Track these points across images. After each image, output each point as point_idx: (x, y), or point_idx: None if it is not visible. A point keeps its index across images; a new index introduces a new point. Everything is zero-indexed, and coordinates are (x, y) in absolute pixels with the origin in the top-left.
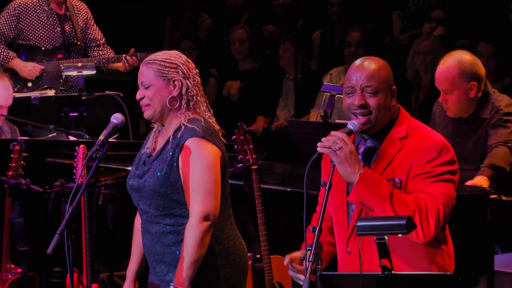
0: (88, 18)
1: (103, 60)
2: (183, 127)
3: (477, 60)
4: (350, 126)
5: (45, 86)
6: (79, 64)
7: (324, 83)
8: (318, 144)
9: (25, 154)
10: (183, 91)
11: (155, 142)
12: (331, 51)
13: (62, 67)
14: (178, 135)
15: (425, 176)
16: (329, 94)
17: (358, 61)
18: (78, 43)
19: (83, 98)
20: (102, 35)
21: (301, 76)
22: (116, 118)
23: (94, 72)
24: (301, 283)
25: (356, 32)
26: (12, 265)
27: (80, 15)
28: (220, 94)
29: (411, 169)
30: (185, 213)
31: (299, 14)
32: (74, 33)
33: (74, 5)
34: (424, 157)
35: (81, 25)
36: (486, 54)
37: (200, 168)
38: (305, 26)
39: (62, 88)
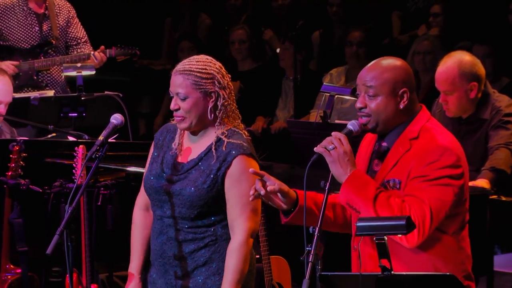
0: (70, 17)
1: (75, 58)
2: (225, 140)
3: (477, 60)
4: (349, 126)
5: (21, 85)
6: (79, 65)
7: (324, 83)
8: (315, 148)
9: (24, 154)
10: (219, 102)
11: (180, 145)
12: (330, 51)
13: (62, 67)
14: (224, 149)
15: (422, 179)
16: (328, 94)
17: (370, 63)
18: (54, 42)
19: (82, 98)
20: (84, 33)
21: (300, 77)
22: (116, 118)
23: (93, 72)
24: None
25: (357, 32)
26: (12, 266)
27: (61, 14)
28: None
29: (411, 171)
30: (212, 222)
31: (298, 15)
32: (51, 32)
33: (56, 4)
34: (424, 159)
35: (62, 24)
36: (481, 56)
37: (249, 186)
38: (304, 26)
39: (36, 87)
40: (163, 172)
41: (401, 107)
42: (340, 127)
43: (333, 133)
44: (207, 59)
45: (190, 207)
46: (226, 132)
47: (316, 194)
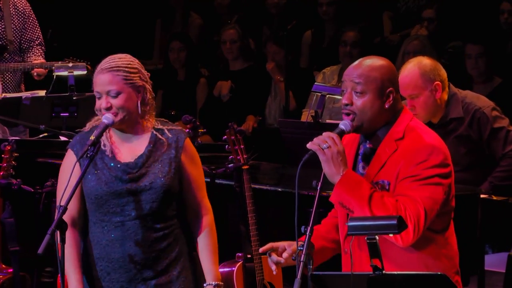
0: (26, 16)
1: (27, 67)
2: (165, 128)
3: (437, 62)
4: (341, 126)
5: None
6: (70, 64)
7: (316, 83)
8: (309, 142)
9: (16, 154)
10: (146, 95)
11: (111, 145)
12: (321, 50)
13: (53, 67)
14: (169, 135)
15: (412, 179)
16: (319, 94)
17: (356, 61)
18: (8, 47)
19: (74, 98)
20: (38, 35)
21: (291, 76)
22: (107, 118)
23: (85, 72)
24: (274, 273)
25: (352, 32)
26: (3, 265)
27: (17, 15)
28: (211, 94)
29: (399, 171)
30: (173, 213)
31: (291, 14)
32: (5, 35)
33: (12, 4)
34: (413, 159)
35: (18, 25)
36: (475, 55)
37: (200, 166)
38: (297, 25)
39: None
40: (116, 175)
41: (387, 106)
42: (332, 127)
43: (324, 133)
44: (127, 55)
45: (161, 200)
46: (158, 123)
47: (318, 230)
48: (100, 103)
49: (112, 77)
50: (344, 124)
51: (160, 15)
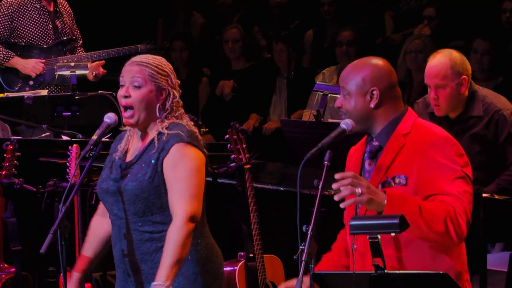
0: (72, 17)
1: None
2: (166, 132)
3: (465, 58)
4: (343, 125)
5: (46, 83)
6: (72, 64)
7: (317, 82)
8: (336, 197)
9: (18, 153)
10: (169, 101)
11: (128, 146)
12: (323, 49)
13: (56, 67)
14: (164, 139)
15: (439, 173)
16: (321, 93)
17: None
18: (74, 37)
19: (76, 97)
20: (80, 36)
21: (294, 74)
22: (109, 117)
23: (87, 71)
24: None
25: (347, 32)
26: (6, 265)
27: (67, 14)
28: (213, 94)
29: (418, 165)
30: (166, 219)
31: (293, 14)
32: (65, 29)
33: (60, 3)
34: (430, 151)
35: (68, 22)
36: (481, 51)
37: (186, 171)
38: (299, 25)
39: (58, 84)
40: (110, 173)
41: (372, 106)
42: (333, 126)
43: (337, 176)
44: (162, 58)
45: (134, 202)
46: (168, 125)
47: (329, 257)
48: (121, 91)
49: (140, 69)
50: (345, 123)
51: (162, 15)
